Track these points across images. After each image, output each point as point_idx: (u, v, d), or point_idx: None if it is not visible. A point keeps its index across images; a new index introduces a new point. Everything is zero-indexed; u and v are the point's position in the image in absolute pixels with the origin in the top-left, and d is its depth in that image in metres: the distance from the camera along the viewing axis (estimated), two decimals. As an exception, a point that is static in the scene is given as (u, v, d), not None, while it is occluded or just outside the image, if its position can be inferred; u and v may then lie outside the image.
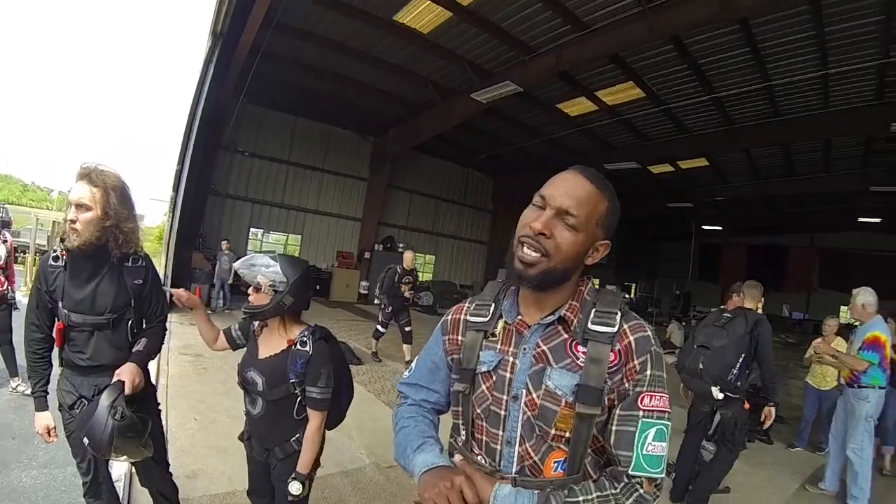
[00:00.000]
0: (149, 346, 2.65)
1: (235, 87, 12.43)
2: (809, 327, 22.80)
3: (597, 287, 1.38)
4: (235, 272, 2.58)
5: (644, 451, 1.18)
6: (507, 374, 1.32)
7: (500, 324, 1.39)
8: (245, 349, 2.66)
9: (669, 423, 1.23)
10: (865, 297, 5.09)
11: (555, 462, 1.26)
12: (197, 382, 6.30)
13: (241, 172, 16.64)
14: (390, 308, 8.88)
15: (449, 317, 1.54)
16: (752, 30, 9.80)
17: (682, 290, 29.68)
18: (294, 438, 2.50)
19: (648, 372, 1.23)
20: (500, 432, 1.32)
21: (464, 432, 1.42)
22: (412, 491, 4.25)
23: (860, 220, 23.47)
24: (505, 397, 1.32)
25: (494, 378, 1.34)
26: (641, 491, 1.19)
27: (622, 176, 18.45)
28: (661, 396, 1.23)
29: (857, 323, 5.35)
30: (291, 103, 16.27)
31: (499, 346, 1.37)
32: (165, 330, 2.83)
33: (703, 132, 15.22)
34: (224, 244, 12.26)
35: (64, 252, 2.50)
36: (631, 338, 1.24)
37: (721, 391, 4.26)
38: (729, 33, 10.03)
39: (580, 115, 14.65)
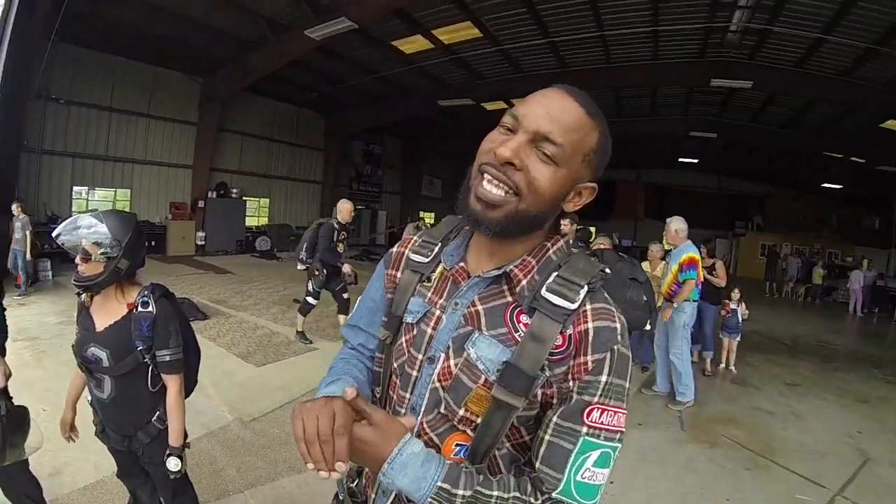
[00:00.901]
0: (2, 335, 2.34)
1: (46, 25, 10.52)
2: (637, 253, 24.65)
3: (571, 248, 1.11)
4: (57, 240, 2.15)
5: (578, 477, 0.92)
6: (429, 330, 1.09)
7: (440, 268, 1.16)
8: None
9: (619, 447, 0.96)
10: (678, 224, 5.91)
11: (456, 445, 1.02)
12: (38, 369, 5.63)
13: (57, 124, 14.24)
14: (325, 273, 7.17)
15: (394, 249, 1.30)
16: (591, -20, 10.13)
17: (515, 220, 30.96)
18: (155, 417, 2.28)
19: (604, 378, 0.94)
20: (408, 395, 1.09)
21: (381, 385, 1.20)
22: (283, 442, 4.00)
23: (680, 160, 26.17)
24: (420, 357, 1.09)
25: (415, 332, 1.11)
26: None
27: (455, 112, 18.82)
28: (615, 412, 0.94)
29: (671, 247, 6.14)
30: (111, 42, 14.09)
31: (429, 295, 1.13)
32: (4, 309, 2.46)
33: (537, 72, 15.57)
34: (15, 207, 9.94)
35: None
36: (591, 324, 0.96)
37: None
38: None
39: (415, 53, 14.46)
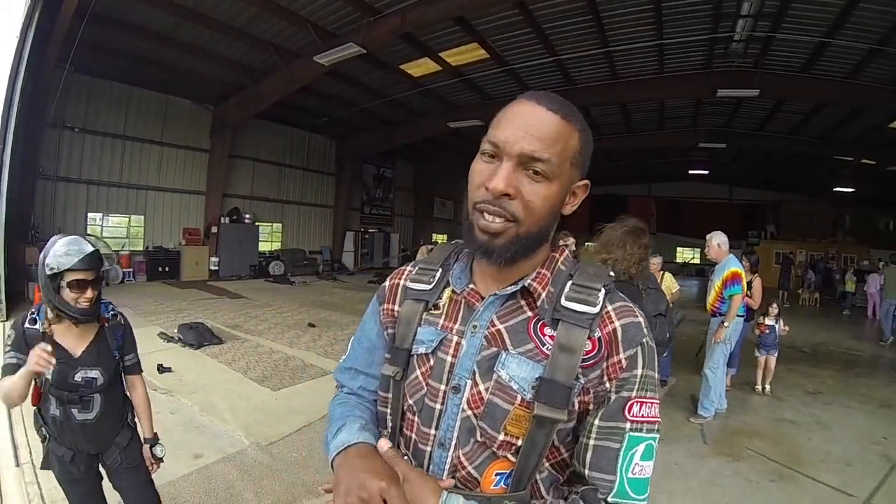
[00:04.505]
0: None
1: (60, 55, 10.86)
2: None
3: (576, 256, 1.11)
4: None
5: (630, 475, 0.92)
6: (449, 358, 1.02)
7: (447, 293, 1.10)
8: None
9: (658, 437, 0.97)
10: (720, 237, 5.81)
11: (496, 474, 0.97)
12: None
13: (72, 151, 14.57)
14: None
15: (387, 282, 1.22)
16: (594, -2, 10.22)
17: (530, 239, 30.89)
18: (129, 419, 2.45)
19: (639, 371, 0.95)
20: (433, 431, 1.02)
21: (390, 425, 1.11)
22: (300, 465, 3.77)
23: (690, 171, 26.18)
24: (443, 388, 1.02)
25: (432, 362, 1.04)
26: None
27: (465, 134, 18.87)
28: (652, 403, 0.96)
29: (714, 261, 5.98)
30: (124, 71, 14.44)
31: (441, 322, 1.07)
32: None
33: (545, 90, 15.55)
34: None
35: None
36: (617, 323, 0.96)
37: None
38: (573, 1, 10.40)
39: (424, 76, 14.65)
